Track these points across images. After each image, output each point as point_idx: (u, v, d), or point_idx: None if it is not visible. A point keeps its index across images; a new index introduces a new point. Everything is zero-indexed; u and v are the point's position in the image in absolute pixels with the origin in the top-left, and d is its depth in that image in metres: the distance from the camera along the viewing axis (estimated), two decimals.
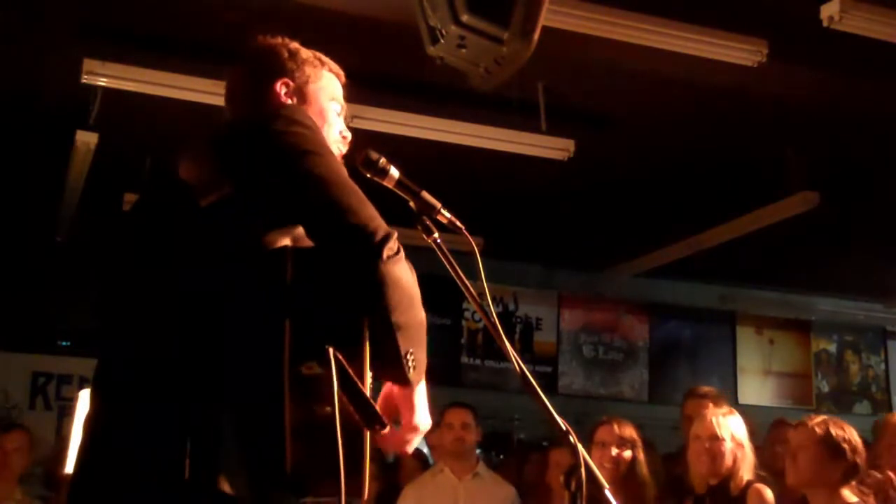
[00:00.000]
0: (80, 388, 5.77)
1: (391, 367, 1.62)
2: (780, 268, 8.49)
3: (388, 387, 1.70)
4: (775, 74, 4.59)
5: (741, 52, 4.32)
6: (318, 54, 2.01)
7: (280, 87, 1.92)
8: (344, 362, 1.52)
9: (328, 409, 1.49)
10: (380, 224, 1.58)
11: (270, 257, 1.58)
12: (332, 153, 1.71)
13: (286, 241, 1.61)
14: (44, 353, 7.35)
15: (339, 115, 2.00)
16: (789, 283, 9.23)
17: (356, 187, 1.63)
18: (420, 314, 1.65)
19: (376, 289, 1.55)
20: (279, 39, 1.99)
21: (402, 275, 1.59)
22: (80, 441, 1.67)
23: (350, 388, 1.51)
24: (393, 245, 1.57)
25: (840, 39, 4.00)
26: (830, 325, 9.95)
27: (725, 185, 6.43)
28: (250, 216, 1.61)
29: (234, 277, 1.59)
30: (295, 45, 1.98)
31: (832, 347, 10.03)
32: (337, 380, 1.49)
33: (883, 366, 10.19)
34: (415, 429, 1.69)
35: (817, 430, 3.33)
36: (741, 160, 6.07)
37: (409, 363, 1.61)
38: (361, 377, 1.55)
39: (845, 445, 3.30)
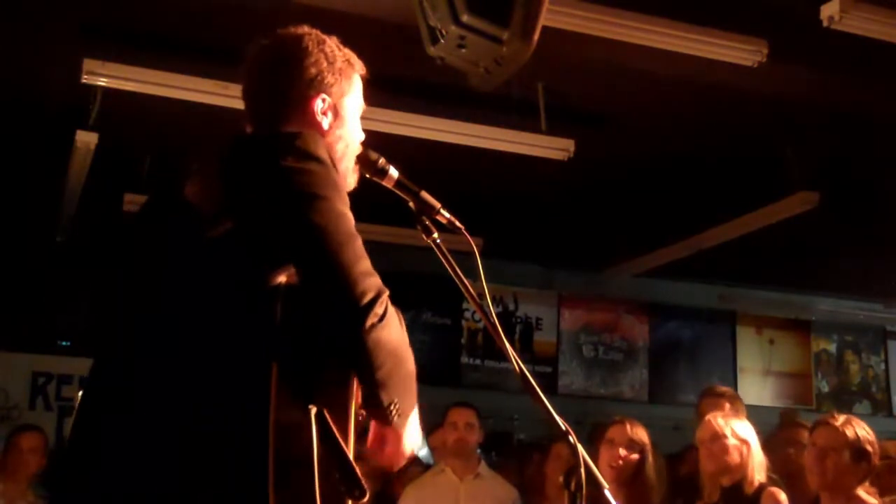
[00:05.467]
0: (81, 388, 5.77)
1: (376, 412, 1.64)
2: (780, 268, 8.49)
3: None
4: (775, 74, 4.59)
5: (741, 52, 4.31)
6: (347, 54, 1.91)
7: (316, 104, 1.83)
8: (329, 418, 1.51)
9: (310, 465, 1.47)
10: (369, 285, 1.55)
11: (264, 297, 1.56)
12: (339, 195, 1.64)
13: (282, 278, 1.59)
14: (44, 353, 7.35)
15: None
16: (789, 283, 9.22)
17: (355, 238, 1.60)
18: (407, 367, 1.64)
19: (357, 354, 1.54)
20: (314, 38, 1.87)
21: (387, 337, 1.56)
22: (69, 442, 1.67)
23: (333, 449, 1.50)
24: (379, 310, 1.54)
25: (840, 39, 4.00)
26: (830, 325, 9.95)
27: (725, 185, 6.43)
28: (251, 253, 1.60)
29: (226, 317, 1.58)
30: (329, 46, 1.88)
31: (832, 347, 10.03)
32: (318, 440, 1.49)
33: (883, 366, 10.19)
34: (402, 454, 1.72)
35: (847, 432, 3.29)
36: (741, 160, 6.06)
37: (394, 412, 1.62)
38: (346, 426, 1.55)
39: (870, 448, 3.28)
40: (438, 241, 1.87)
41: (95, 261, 5.20)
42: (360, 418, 1.69)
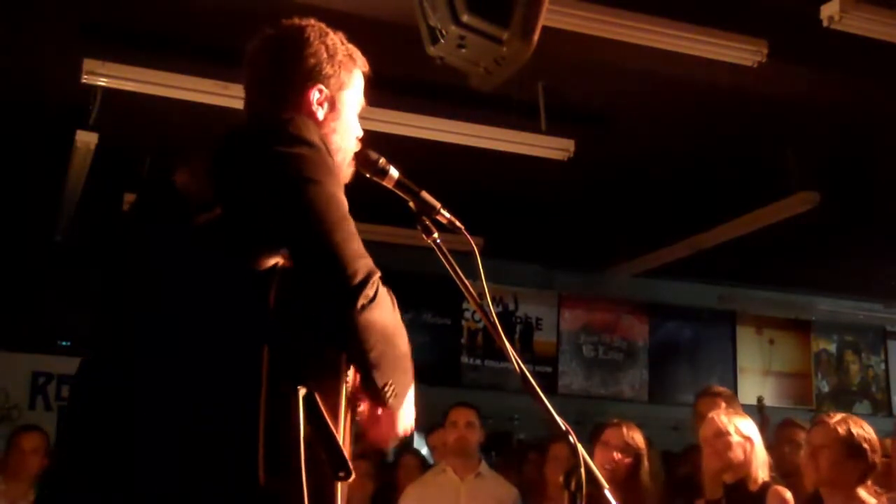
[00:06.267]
0: None
1: (371, 394, 1.64)
2: (780, 268, 8.49)
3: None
4: (775, 74, 4.59)
5: (741, 52, 4.31)
6: (350, 49, 1.91)
7: (313, 94, 1.83)
8: (319, 400, 1.51)
9: (298, 447, 1.48)
10: (360, 266, 1.55)
11: (256, 281, 1.56)
12: (331, 178, 1.64)
13: (276, 260, 1.59)
14: (44, 353, 7.35)
15: (358, 113, 1.94)
16: (789, 283, 9.23)
17: (347, 220, 1.60)
18: (399, 348, 1.64)
19: (349, 335, 1.54)
20: (316, 29, 1.87)
21: (378, 318, 1.56)
22: (64, 441, 1.67)
23: (321, 431, 1.50)
24: (370, 291, 1.54)
25: (840, 39, 4.00)
26: (830, 325, 9.96)
27: (725, 186, 6.43)
28: (241, 238, 1.60)
29: (220, 305, 1.57)
30: (331, 39, 1.88)
31: (832, 347, 10.03)
32: (305, 422, 1.49)
33: (883, 366, 10.19)
34: (396, 434, 1.74)
35: (840, 429, 3.29)
36: (741, 160, 6.07)
37: (389, 393, 1.63)
38: (337, 407, 1.55)
39: (866, 445, 3.28)
40: (438, 241, 1.87)
41: (95, 261, 5.19)
42: (359, 413, 1.70)
